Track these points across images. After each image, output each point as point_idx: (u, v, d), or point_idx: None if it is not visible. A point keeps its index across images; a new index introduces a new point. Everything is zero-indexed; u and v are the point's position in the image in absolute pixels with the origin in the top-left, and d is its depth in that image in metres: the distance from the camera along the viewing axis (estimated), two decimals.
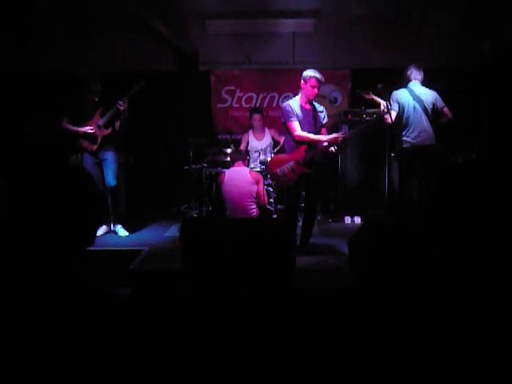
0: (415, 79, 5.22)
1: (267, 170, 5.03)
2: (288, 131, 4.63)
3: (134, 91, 5.13)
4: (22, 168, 1.12)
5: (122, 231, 5.45)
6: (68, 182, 1.15)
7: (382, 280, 2.17)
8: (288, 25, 6.66)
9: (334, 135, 4.59)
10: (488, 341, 0.93)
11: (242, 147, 6.48)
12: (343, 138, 4.57)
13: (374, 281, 2.36)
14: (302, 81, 4.51)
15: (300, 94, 4.63)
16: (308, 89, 4.48)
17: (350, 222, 6.19)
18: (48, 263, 1.08)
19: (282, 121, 4.66)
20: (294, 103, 4.60)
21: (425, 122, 5.14)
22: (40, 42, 6.66)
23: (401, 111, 5.14)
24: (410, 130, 5.10)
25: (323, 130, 4.79)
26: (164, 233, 5.62)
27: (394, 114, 5.11)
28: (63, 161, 5.10)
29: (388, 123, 5.01)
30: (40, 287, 1.04)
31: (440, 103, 5.20)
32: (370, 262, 2.60)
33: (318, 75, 4.42)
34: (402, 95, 5.17)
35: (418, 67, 5.26)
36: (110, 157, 5.29)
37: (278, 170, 4.62)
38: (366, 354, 1.05)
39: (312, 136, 4.55)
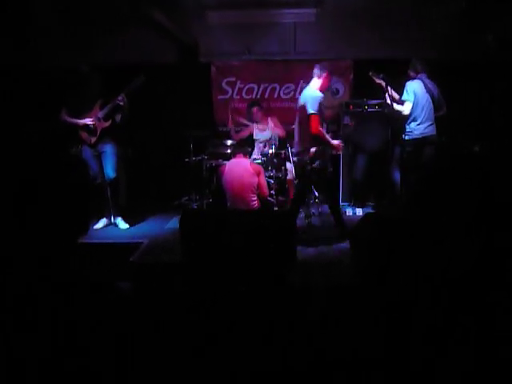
0: (423, 71, 5.24)
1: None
2: (309, 121, 4.52)
3: (134, 85, 5.09)
4: (22, 166, 1.10)
5: (122, 224, 5.44)
6: (61, 172, 1.12)
7: (383, 273, 2.14)
8: (289, 15, 6.59)
9: (338, 143, 4.80)
10: (486, 336, 0.90)
11: (243, 133, 6.52)
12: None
13: (375, 274, 2.34)
14: (324, 73, 4.64)
15: (319, 85, 4.68)
16: (326, 83, 4.61)
17: (351, 214, 6.15)
18: (46, 258, 1.06)
19: (310, 111, 4.51)
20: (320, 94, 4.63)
21: (433, 114, 5.24)
22: (40, 36, 6.61)
23: (415, 102, 5.18)
24: (423, 121, 5.18)
25: None
26: (164, 225, 5.60)
27: (409, 105, 5.14)
28: (62, 153, 5.08)
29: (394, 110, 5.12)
30: (38, 283, 1.02)
31: (441, 98, 5.32)
32: (371, 253, 2.57)
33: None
34: (417, 86, 5.21)
35: (424, 61, 5.33)
36: (109, 149, 5.26)
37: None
38: (366, 352, 1.02)
39: (327, 137, 4.67)
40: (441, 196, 0.96)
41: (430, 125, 5.24)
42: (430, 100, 5.22)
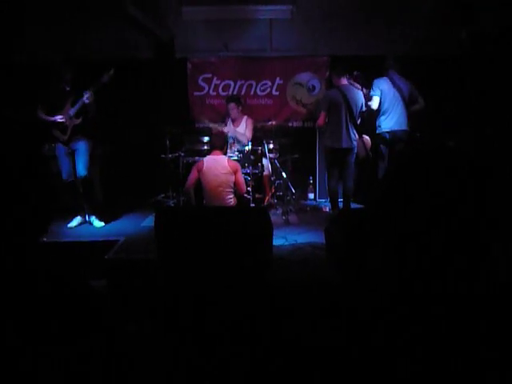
0: (394, 69, 5.43)
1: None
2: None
3: (103, 81, 5.02)
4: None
5: (96, 222, 5.37)
6: (18, 170, 1.10)
7: (357, 267, 2.16)
8: (265, 11, 6.58)
9: None
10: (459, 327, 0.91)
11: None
12: None
13: (349, 268, 2.36)
14: None
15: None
16: None
17: (328, 210, 6.20)
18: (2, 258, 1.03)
19: None
20: None
21: (402, 109, 5.45)
22: (13, 28, 6.46)
23: (382, 98, 5.40)
24: (390, 117, 5.39)
25: None
26: (141, 223, 5.56)
27: (376, 99, 5.33)
28: (33, 150, 4.96)
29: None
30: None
31: (415, 92, 5.51)
32: (346, 248, 2.59)
33: None
34: (382, 83, 5.44)
35: (395, 58, 5.57)
36: (81, 147, 5.18)
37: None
38: (343, 346, 1.02)
39: None
40: (404, 190, 0.96)
41: (399, 119, 5.44)
42: (397, 95, 5.42)
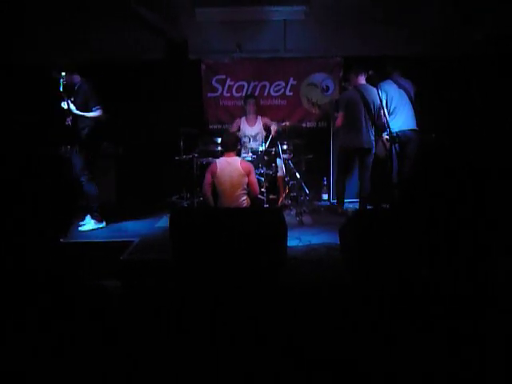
0: (397, 70, 5.59)
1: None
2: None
3: (66, 86, 4.99)
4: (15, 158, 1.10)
5: (85, 225, 5.25)
6: (46, 171, 1.12)
7: (371, 269, 2.16)
8: (278, 12, 6.58)
9: None
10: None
11: (233, 130, 6.51)
12: None
13: (364, 269, 2.35)
14: None
15: None
16: None
17: (343, 210, 6.17)
18: (24, 257, 1.06)
19: None
20: None
21: (410, 109, 5.53)
22: (27, 32, 6.55)
23: (389, 100, 5.49)
24: (398, 117, 5.44)
25: None
26: (155, 224, 5.60)
27: (383, 102, 5.37)
28: (35, 150, 4.98)
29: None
30: (18, 282, 1.02)
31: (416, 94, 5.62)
32: (360, 249, 2.59)
33: None
34: (387, 86, 5.53)
35: (395, 62, 5.72)
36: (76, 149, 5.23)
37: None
38: (353, 347, 1.02)
39: None
40: (406, 192, 0.96)
41: (407, 119, 5.49)
42: (404, 95, 5.49)
